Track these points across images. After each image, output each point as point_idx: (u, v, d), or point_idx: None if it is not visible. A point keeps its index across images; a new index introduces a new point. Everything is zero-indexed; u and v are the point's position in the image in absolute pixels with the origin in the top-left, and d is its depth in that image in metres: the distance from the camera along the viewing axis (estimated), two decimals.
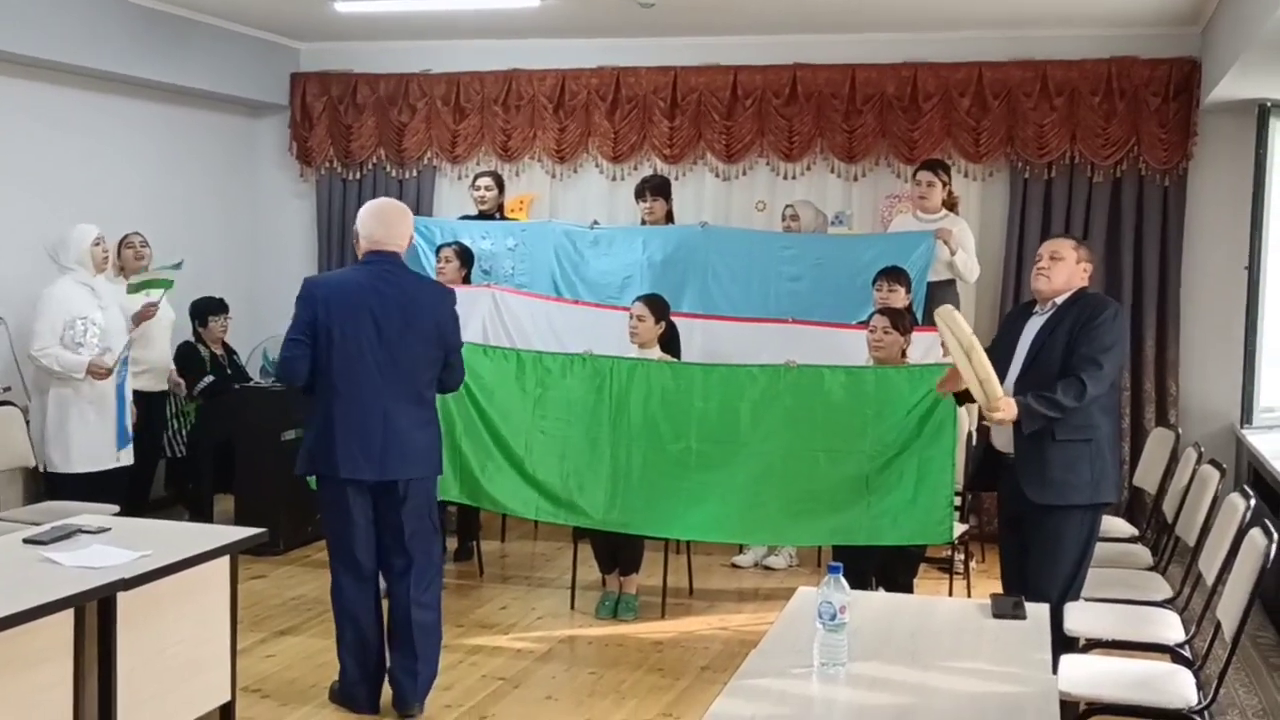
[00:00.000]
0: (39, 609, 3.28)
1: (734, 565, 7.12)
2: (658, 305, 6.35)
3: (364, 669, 4.85)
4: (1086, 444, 4.58)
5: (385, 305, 4.64)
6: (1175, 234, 7.66)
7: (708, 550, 6.97)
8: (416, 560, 4.77)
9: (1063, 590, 4.54)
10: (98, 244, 6.43)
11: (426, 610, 4.81)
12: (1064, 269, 4.68)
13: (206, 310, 7.71)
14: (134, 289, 6.96)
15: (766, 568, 7.09)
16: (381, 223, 4.76)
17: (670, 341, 6.39)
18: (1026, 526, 4.73)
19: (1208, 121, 7.57)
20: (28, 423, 6.34)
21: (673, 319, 6.49)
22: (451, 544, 7.12)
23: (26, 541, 3.93)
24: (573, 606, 6.33)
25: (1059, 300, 4.68)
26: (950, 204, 7.26)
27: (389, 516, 4.74)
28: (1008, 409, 4.52)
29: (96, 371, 6.25)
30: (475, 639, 5.81)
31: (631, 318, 6.28)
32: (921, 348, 6.07)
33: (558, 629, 6.02)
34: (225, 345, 7.87)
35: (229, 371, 7.74)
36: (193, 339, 7.66)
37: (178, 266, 7.00)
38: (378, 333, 4.63)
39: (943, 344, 4.78)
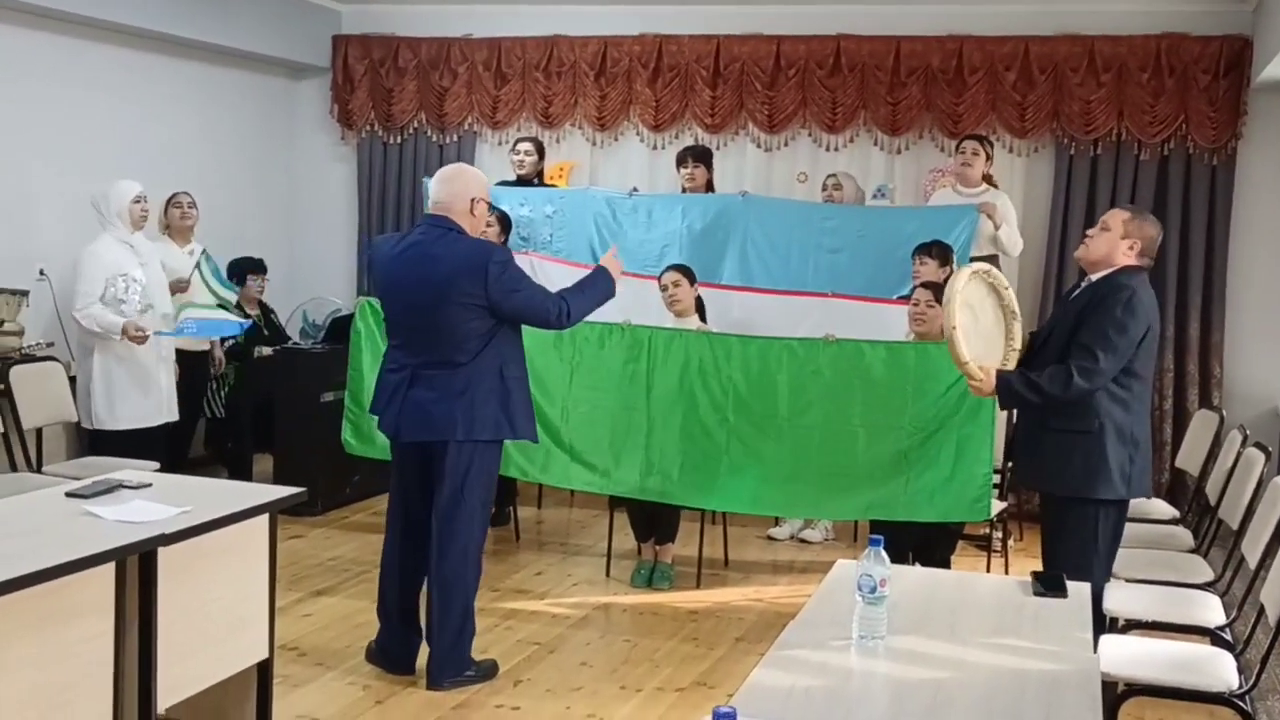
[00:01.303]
0: (81, 561, 3.29)
1: (769, 537, 7.11)
2: (687, 271, 6.36)
3: (385, 625, 4.90)
4: (1083, 435, 4.36)
5: (410, 269, 4.63)
6: (1222, 214, 7.57)
7: (743, 522, 6.96)
8: (436, 532, 4.73)
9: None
10: (138, 201, 6.46)
11: (436, 586, 4.76)
12: (1104, 241, 4.43)
13: (245, 270, 7.73)
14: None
15: (802, 541, 7.08)
16: (438, 179, 4.78)
17: (700, 311, 6.39)
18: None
19: (1258, 100, 7.47)
20: (71, 378, 6.40)
21: (709, 290, 6.47)
22: None
23: (69, 495, 3.94)
24: (608, 574, 6.34)
25: (1094, 276, 4.47)
26: (988, 181, 7.19)
27: (433, 481, 4.74)
28: (986, 380, 4.39)
29: (134, 337, 6.27)
30: (511, 604, 5.84)
31: (668, 287, 6.26)
32: None
33: (593, 596, 6.03)
34: (261, 305, 7.90)
35: (265, 332, 7.77)
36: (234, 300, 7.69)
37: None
38: (404, 297, 4.68)
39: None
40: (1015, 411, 5.45)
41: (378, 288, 4.88)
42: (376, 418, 4.90)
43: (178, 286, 6.76)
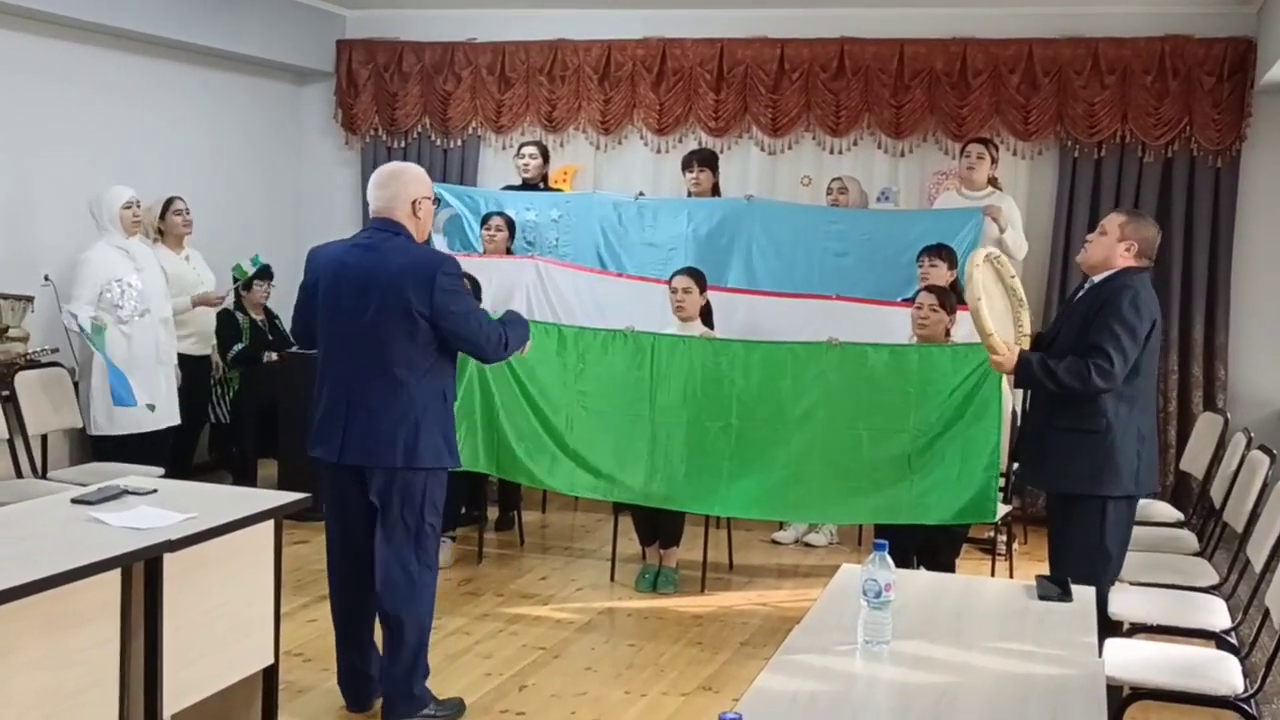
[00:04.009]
0: (87, 568, 3.30)
1: (774, 541, 7.11)
2: (700, 277, 6.35)
3: (339, 656, 4.60)
4: (1089, 435, 4.43)
5: (352, 275, 4.29)
6: (1226, 216, 7.56)
7: (748, 526, 6.95)
8: (381, 564, 4.37)
9: (1083, 582, 4.39)
10: (129, 207, 6.51)
11: (387, 622, 4.44)
12: (1102, 245, 4.54)
13: (252, 276, 7.74)
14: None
15: (807, 545, 7.08)
16: (374, 184, 4.42)
17: (705, 315, 6.39)
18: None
19: (1262, 102, 7.47)
20: (75, 385, 6.41)
21: (714, 293, 6.47)
22: (493, 514, 7.17)
23: (75, 501, 3.95)
24: (612, 578, 6.34)
25: (1095, 279, 4.56)
26: (993, 184, 7.20)
27: (375, 506, 4.38)
28: (1008, 356, 4.50)
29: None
30: (515, 609, 5.84)
31: (676, 291, 6.27)
32: (967, 327, 5.95)
33: (597, 600, 6.03)
34: (266, 310, 7.89)
35: (270, 337, 7.77)
36: (233, 304, 7.70)
37: (255, 262, 7.14)
38: (344, 305, 4.31)
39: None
40: (1021, 413, 5.51)
41: (318, 294, 4.41)
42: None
43: (208, 300, 6.94)
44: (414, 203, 4.39)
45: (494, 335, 4.43)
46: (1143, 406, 4.54)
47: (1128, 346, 4.36)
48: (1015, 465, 6.03)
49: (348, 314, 4.31)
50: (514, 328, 4.60)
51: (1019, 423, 5.95)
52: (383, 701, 4.47)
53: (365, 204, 8.91)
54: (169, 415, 6.65)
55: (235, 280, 7.29)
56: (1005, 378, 5.46)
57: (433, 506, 4.43)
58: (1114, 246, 4.50)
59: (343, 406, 4.33)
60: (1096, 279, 4.56)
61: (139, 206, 6.60)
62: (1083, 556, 4.44)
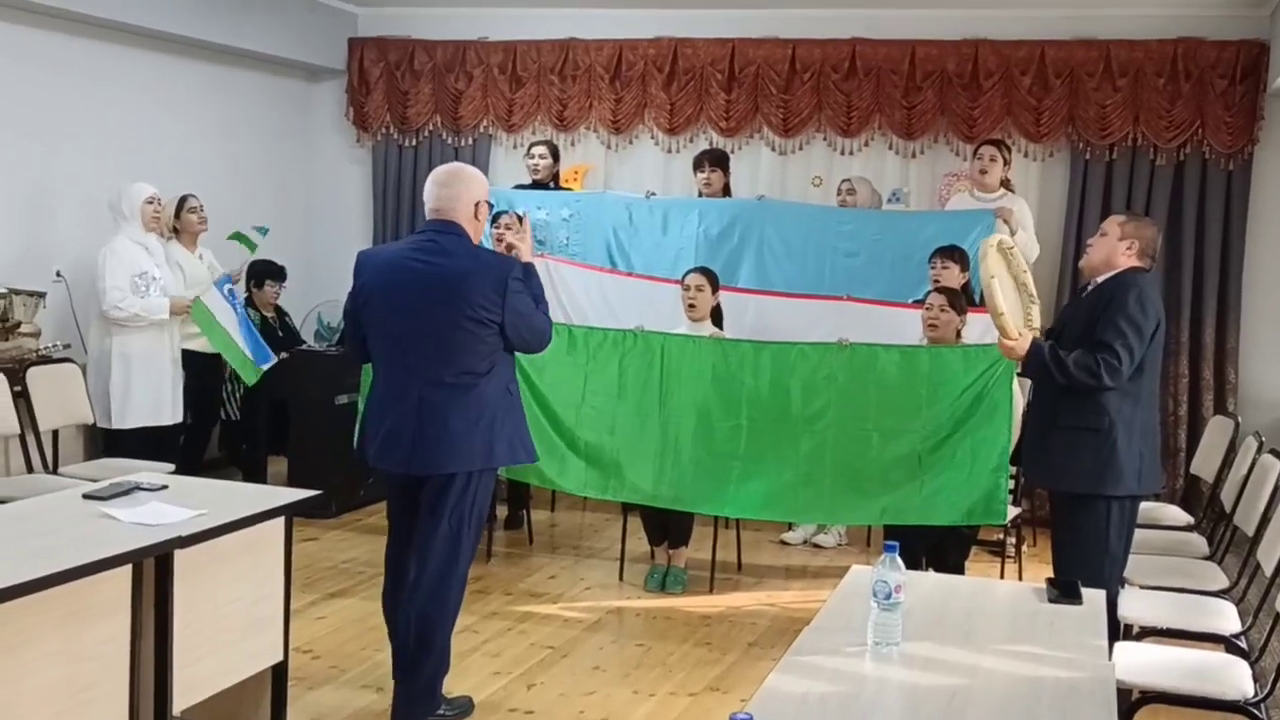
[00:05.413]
0: (98, 564, 3.31)
1: (783, 542, 7.10)
2: (713, 276, 6.35)
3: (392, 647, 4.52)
4: (1092, 433, 4.42)
5: (417, 279, 4.22)
6: (1238, 219, 7.54)
7: (757, 526, 6.94)
8: (423, 564, 4.33)
9: (1087, 581, 4.26)
10: (150, 202, 6.56)
11: (418, 621, 4.34)
12: (1103, 246, 4.55)
13: (265, 274, 7.76)
14: (231, 238, 7.17)
15: (816, 545, 7.08)
16: (436, 182, 4.34)
17: (715, 316, 6.39)
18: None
19: (1274, 106, 7.46)
20: (86, 380, 6.44)
21: (725, 293, 6.47)
22: (501, 512, 7.15)
23: (86, 497, 3.96)
24: (621, 578, 6.34)
25: (1099, 279, 4.56)
26: (1006, 186, 7.19)
27: (421, 509, 4.36)
28: (1019, 342, 4.50)
29: (181, 309, 6.60)
30: (524, 607, 5.84)
31: (689, 289, 6.26)
32: (978, 328, 6.00)
33: (606, 600, 6.03)
34: (277, 308, 7.92)
35: (280, 334, 7.78)
36: (245, 302, 7.71)
37: (264, 232, 7.13)
38: (408, 309, 4.23)
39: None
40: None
41: (373, 296, 4.32)
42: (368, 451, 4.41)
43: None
44: (476, 205, 4.34)
45: (549, 335, 4.47)
46: (1146, 403, 4.53)
47: (1134, 345, 4.36)
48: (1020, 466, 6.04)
49: (411, 319, 4.24)
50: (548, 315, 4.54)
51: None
52: (398, 702, 4.41)
53: (377, 202, 9.08)
54: (173, 413, 6.69)
55: (245, 245, 7.23)
56: (1015, 378, 5.47)
57: (479, 511, 4.41)
58: (1115, 246, 4.52)
59: (411, 415, 4.25)
60: (1100, 279, 4.55)
61: (160, 203, 6.65)
62: (1087, 555, 4.45)
